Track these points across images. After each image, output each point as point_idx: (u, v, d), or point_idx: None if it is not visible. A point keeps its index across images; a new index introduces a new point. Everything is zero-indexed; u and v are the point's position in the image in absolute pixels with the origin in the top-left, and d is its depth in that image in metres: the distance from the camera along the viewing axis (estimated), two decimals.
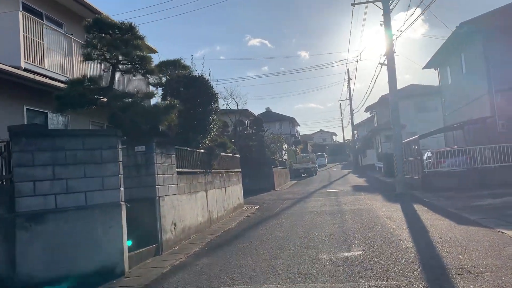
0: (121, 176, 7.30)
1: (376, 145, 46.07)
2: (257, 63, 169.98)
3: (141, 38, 8.63)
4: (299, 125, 78.70)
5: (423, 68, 27.98)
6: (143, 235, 8.61)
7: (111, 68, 8.55)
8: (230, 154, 15.40)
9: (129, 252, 7.40)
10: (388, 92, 18.80)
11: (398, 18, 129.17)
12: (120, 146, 7.40)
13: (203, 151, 12.03)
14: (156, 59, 13.44)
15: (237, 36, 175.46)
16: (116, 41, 8.16)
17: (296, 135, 74.73)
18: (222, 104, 23.42)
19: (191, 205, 10.66)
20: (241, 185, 16.77)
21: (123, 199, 7.30)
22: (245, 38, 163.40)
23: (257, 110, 69.48)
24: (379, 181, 26.73)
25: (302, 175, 41.39)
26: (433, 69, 27.57)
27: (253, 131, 26.53)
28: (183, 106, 10.86)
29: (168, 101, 9.19)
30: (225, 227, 11.67)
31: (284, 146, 38.37)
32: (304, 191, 22.87)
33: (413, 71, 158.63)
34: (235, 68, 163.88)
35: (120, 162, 7.33)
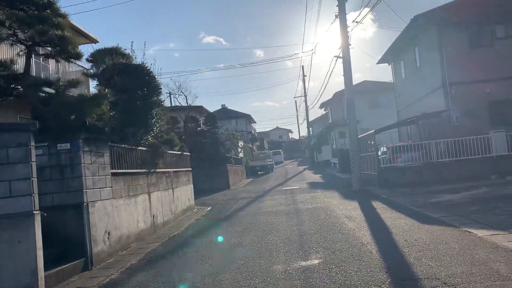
0: (34, 179, 6.00)
1: (331, 142, 46.14)
2: (212, 61, 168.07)
3: (63, 16, 7.32)
4: (256, 122, 77.97)
5: (377, 63, 27.92)
6: (70, 248, 7.35)
7: (26, 51, 7.18)
8: (178, 152, 14.20)
9: (47, 270, 6.15)
10: (342, 89, 18.28)
11: (349, 18, 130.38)
12: (33, 143, 6.10)
13: (145, 148, 10.80)
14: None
15: (191, 33, 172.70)
16: (31, 18, 6.81)
17: (253, 132, 74.04)
18: (167, 97, 21.76)
19: (130, 210, 9.43)
20: (191, 186, 15.61)
21: (37, 207, 6.01)
22: (200, 36, 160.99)
23: (213, 107, 67.93)
24: (335, 177, 26.35)
25: (259, 173, 40.66)
26: (386, 64, 27.54)
27: (207, 127, 25.35)
28: (120, 98, 9.64)
29: (97, 91, 7.92)
30: (171, 233, 10.51)
31: (239, 143, 37.43)
32: (260, 189, 22.01)
33: (364, 69, 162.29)
34: (190, 66, 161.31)
35: (33, 163, 6.03)
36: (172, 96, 23.62)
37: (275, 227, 9.78)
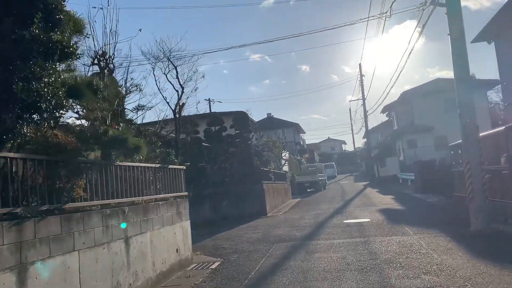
0: None
1: (397, 152, 38.13)
2: (259, 77, 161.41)
3: None
4: (305, 132, 70.67)
5: (472, 42, 20.25)
6: None
7: None
8: (153, 165, 7.68)
9: None
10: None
11: (393, 32, 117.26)
12: None
13: (19, 156, 4.35)
14: None
15: (238, 51, 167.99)
16: None
17: (301, 143, 66.87)
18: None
19: None
20: (186, 223, 8.97)
21: None
22: (246, 54, 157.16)
23: (258, 118, 61.32)
24: (416, 200, 18.79)
25: (308, 190, 33.49)
26: (486, 42, 19.85)
27: (236, 132, 18.79)
28: None
29: None
30: None
31: (283, 154, 30.57)
32: (308, 219, 15.02)
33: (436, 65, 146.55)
34: (237, 82, 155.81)
35: None
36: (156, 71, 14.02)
37: None
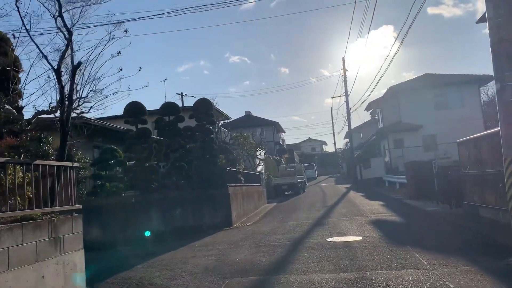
0: None
1: (382, 153, 35.31)
2: (239, 79, 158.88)
3: None
4: (285, 132, 67.64)
5: (477, 22, 17.49)
6: None
7: None
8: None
9: None
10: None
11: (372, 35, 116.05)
12: None
13: None
14: None
15: (218, 53, 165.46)
16: None
17: (281, 142, 63.79)
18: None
19: None
20: (73, 256, 5.53)
21: None
22: (225, 55, 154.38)
23: (236, 115, 57.86)
24: (412, 209, 15.73)
25: (286, 193, 30.30)
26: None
27: (197, 123, 15.36)
28: None
29: None
30: None
31: (258, 153, 27.27)
32: (281, 234, 11.77)
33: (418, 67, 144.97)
34: (217, 83, 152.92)
35: None
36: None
37: None
